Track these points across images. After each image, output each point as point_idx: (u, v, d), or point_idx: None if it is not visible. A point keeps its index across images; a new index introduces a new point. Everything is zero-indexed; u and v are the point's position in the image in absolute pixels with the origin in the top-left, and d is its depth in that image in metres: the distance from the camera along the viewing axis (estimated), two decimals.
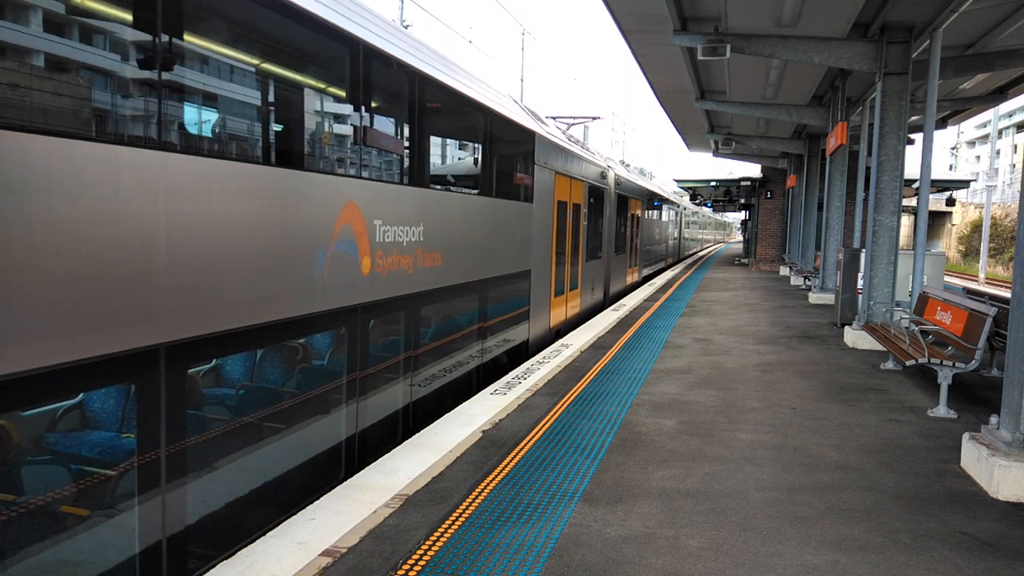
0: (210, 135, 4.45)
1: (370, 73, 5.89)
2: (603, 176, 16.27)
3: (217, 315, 4.09)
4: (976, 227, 46.95)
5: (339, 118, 5.76)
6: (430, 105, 7.27)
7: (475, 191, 8.68)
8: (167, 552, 3.82)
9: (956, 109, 18.75)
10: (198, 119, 4.26)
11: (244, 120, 4.80)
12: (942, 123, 20.10)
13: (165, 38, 3.75)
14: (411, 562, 3.79)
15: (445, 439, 5.88)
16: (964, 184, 35.21)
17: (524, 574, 3.69)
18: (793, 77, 15.83)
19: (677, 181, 38.46)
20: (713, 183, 37.37)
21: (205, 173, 4.02)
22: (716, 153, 30.33)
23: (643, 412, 6.88)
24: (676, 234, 38.69)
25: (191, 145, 4.17)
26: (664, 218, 31.60)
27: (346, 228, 5.50)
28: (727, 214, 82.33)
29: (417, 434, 6.05)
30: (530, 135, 10.43)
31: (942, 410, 6.96)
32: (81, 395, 3.63)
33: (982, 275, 37.87)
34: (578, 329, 12.09)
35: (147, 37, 3.66)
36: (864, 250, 12.11)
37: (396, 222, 6.30)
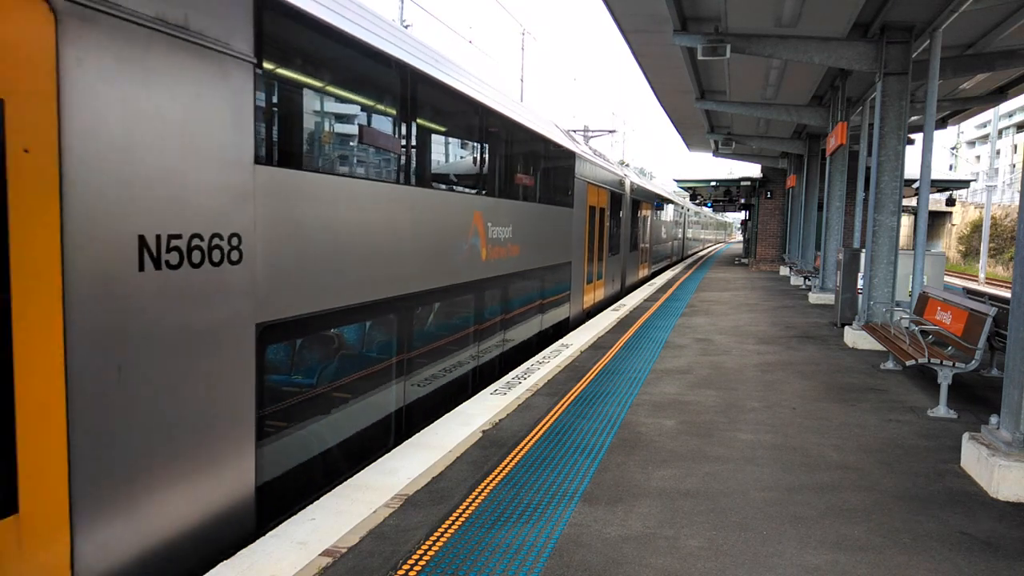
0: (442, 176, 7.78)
1: (493, 128, 8.89)
2: (621, 184, 18.75)
3: (417, 281, 6.80)
4: (976, 227, 46.96)
5: (475, 158, 8.54)
6: (520, 144, 10.04)
7: (540, 201, 11.21)
8: (406, 412, 6.68)
9: (956, 109, 18.74)
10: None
11: (454, 167, 8.18)
12: (942, 123, 20.09)
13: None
14: (411, 562, 3.79)
15: (445, 439, 5.88)
16: (964, 184, 35.22)
17: (524, 574, 3.69)
18: (793, 77, 15.83)
19: (677, 181, 38.45)
20: (713, 183, 37.35)
21: (438, 200, 7.14)
22: (716, 153, 30.32)
23: (643, 412, 6.88)
24: (680, 234, 41.74)
25: (438, 185, 7.42)
26: (670, 219, 34.76)
27: (475, 228, 8.23)
28: (727, 214, 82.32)
29: (417, 434, 6.05)
30: (572, 155, 12.95)
31: (942, 410, 6.96)
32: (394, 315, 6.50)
33: (982, 275, 37.88)
34: (578, 329, 12.13)
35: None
36: (864, 250, 12.11)
37: (498, 224, 9.03)
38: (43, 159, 3.13)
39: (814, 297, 17.31)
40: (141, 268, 3.61)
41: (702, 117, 21.81)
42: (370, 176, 6.13)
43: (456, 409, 6.87)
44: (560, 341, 10.86)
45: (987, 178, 41.88)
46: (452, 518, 4.36)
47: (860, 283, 12.10)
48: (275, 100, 4.78)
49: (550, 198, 11.78)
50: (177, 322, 3.84)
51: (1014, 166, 67.95)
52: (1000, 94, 16.76)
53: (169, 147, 3.79)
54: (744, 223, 45.46)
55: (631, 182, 20.55)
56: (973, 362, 6.98)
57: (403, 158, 6.53)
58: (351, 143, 6.04)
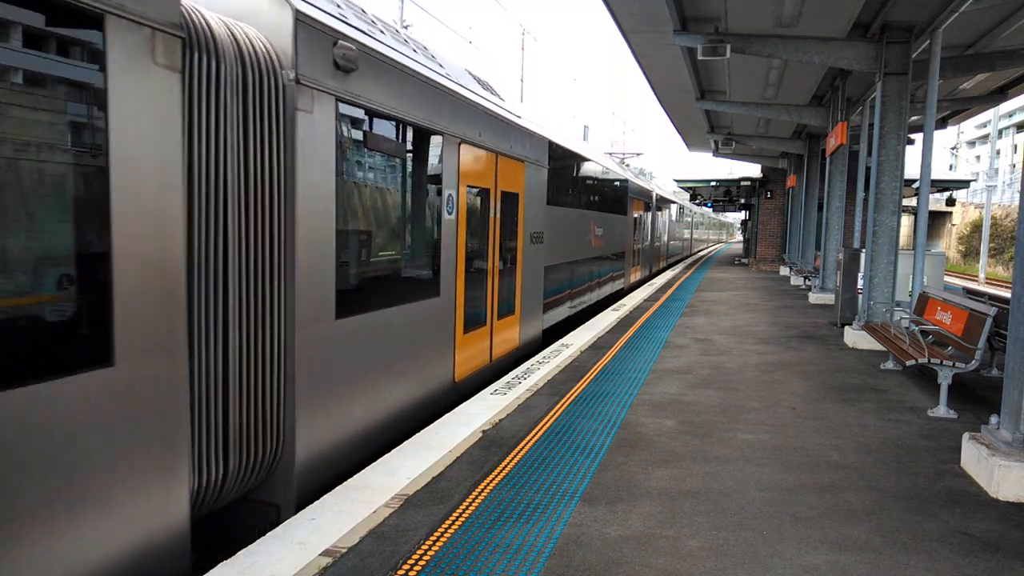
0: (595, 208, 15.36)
1: (598, 174, 15.48)
2: (649, 195, 24.84)
3: (582, 252, 14.07)
4: (976, 227, 46.95)
5: (594, 190, 15.12)
6: (606, 179, 16.45)
7: (612, 212, 17.40)
8: (566, 322, 13.33)
9: (956, 109, 18.74)
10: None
11: (596, 203, 15.60)
12: (942, 123, 20.08)
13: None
14: (411, 562, 3.79)
15: (445, 439, 5.88)
16: (964, 184, 35.18)
17: (524, 574, 3.69)
18: (793, 77, 15.83)
19: (677, 181, 38.41)
20: (713, 183, 37.33)
21: (582, 215, 13.98)
22: (716, 153, 30.31)
23: (643, 412, 6.88)
24: (689, 234, 49.69)
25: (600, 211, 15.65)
26: (682, 221, 42.52)
27: (591, 229, 14.64)
28: (727, 214, 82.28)
29: (417, 434, 6.05)
30: (627, 181, 19.52)
31: (942, 410, 6.96)
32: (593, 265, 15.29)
33: (982, 275, 37.87)
34: (578, 329, 12.14)
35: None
36: (864, 250, 12.11)
37: (598, 227, 15.49)
38: (521, 214, 9.59)
39: (814, 297, 17.31)
40: (531, 243, 9.99)
41: (702, 117, 21.81)
42: (565, 206, 12.37)
43: (456, 409, 6.86)
44: (560, 341, 10.87)
45: (987, 178, 41.86)
46: (452, 518, 4.36)
47: (860, 283, 12.09)
48: (549, 178, 11.08)
49: (616, 210, 18.01)
50: (535, 261, 10.33)
51: (1014, 166, 67.92)
52: (1000, 94, 16.75)
53: (536, 199, 10.18)
54: (744, 223, 45.44)
55: (656, 193, 26.88)
56: (973, 362, 6.98)
57: (576, 195, 13.39)
58: (564, 192, 12.36)
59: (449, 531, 4.18)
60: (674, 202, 34.97)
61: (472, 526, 4.26)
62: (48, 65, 3.08)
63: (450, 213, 7.13)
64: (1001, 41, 12.07)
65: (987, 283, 35.64)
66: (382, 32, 6.17)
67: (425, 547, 3.97)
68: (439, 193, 6.93)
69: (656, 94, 18.86)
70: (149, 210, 3.49)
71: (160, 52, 3.48)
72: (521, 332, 9.80)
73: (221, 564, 3.75)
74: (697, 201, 49.44)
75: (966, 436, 5.48)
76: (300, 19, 4.66)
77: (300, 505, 4.82)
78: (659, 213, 28.20)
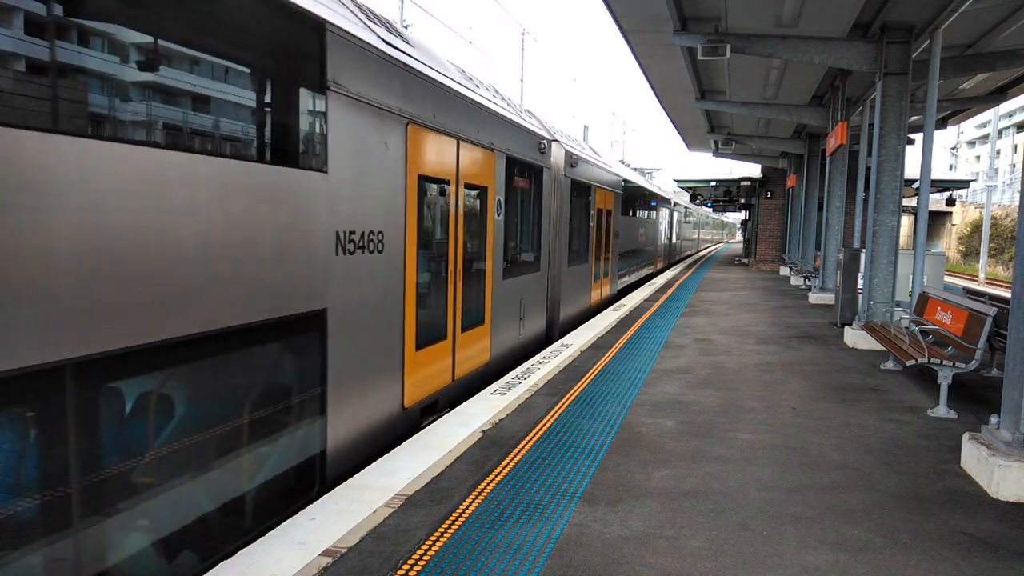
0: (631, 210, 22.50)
1: (645, 190, 24.99)
2: (670, 202, 32.51)
3: (633, 245, 22.41)
4: (976, 227, 46.94)
5: (646, 201, 24.81)
6: (647, 197, 24.82)
7: (649, 217, 25.03)
8: (639, 279, 24.12)
9: (956, 109, 18.74)
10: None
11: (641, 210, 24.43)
12: (942, 123, 20.07)
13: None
14: (411, 562, 3.79)
15: (445, 439, 5.88)
16: (964, 184, 35.21)
17: (524, 574, 3.70)
18: (793, 77, 15.83)
19: (677, 181, 38.41)
20: (713, 183, 37.30)
21: (640, 220, 23.86)
22: (716, 153, 30.30)
23: (643, 412, 6.88)
24: (697, 234, 57.18)
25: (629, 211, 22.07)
26: (692, 221, 50.08)
27: (638, 229, 23.13)
28: (727, 214, 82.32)
29: (417, 434, 6.06)
30: (655, 193, 26.54)
31: (942, 410, 6.96)
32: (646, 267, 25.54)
33: (982, 275, 37.87)
34: (578, 329, 12.16)
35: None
36: (864, 250, 12.11)
37: (642, 227, 23.97)
38: (613, 222, 17.36)
39: (814, 297, 17.31)
40: (615, 239, 17.75)
41: (702, 117, 21.80)
42: (626, 215, 19.39)
43: (456, 409, 6.87)
44: (560, 341, 10.88)
45: (987, 178, 41.87)
46: (452, 518, 4.36)
47: (860, 283, 12.09)
48: (623, 205, 18.68)
49: (650, 215, 25.53)
50: (616, 249, 17.95)
51: (1014, 166, 67.92)
52: (1000, 94, 16.75)
53: (616, 212, 17.70)
54: (744, 223, 45.42)
55: (673, 200, 34.26)
56: (973, 362, 6.98)
57: (630, 208, 20.45)
58: (626, 206, 19.33)
59: (449, 531, 4.18)
60: (687, 207, 42.95)
61: (472, 526, 4.26)
62: (527, 183, 10.38)
63: (591, 223, 14.44)
64: (1001, 41, 12.07)
65: (987, 283, 35.63)
66: (569, 138, 13.28)
67: (425, 547, 3.97)
68: (588, 213, 14.12)
69: (656, 94, 18.85)
70: (545, 225, 11.02)
71: (548, 175, 11.07)
72: (610, 288, 17.27)
73: (221, 564, 3.76)
74: (697, 201, 49.42)
75: (966, 436, 5.48)
76: (567, 151, 11.85)
77: (560, 336, 12.00)
78: (675, 216, 35.97)
